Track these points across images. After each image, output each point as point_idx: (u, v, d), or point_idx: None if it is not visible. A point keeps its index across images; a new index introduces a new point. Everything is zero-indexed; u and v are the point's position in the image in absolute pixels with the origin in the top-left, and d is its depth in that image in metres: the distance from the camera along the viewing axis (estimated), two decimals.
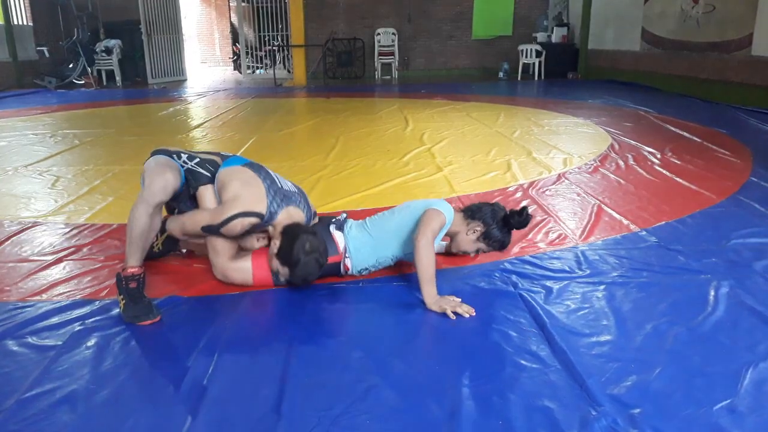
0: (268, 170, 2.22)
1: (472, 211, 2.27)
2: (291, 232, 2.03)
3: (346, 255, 2.20)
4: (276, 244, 2.05)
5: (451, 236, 2.32)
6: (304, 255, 1.97)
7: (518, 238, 2.66)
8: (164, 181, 2.02)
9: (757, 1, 6.82)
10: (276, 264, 2.05)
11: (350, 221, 2.29)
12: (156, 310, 1.95)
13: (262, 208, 2.07)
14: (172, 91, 9.91)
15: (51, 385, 1.59)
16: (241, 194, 2.06)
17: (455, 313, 1.94)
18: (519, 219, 2.24)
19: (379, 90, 10.18)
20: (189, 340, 1.85)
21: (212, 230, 2.06)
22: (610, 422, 1.39)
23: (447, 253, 2.49)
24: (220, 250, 2.14)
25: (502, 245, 2.29)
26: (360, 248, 2.20)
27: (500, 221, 2.24)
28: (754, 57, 6.94)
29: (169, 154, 2.18)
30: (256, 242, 2.24)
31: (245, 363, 1.70)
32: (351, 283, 2.22)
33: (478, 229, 2.24)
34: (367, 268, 2.24)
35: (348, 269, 2.21)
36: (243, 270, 2.15)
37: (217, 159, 2.22)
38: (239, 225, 2.04)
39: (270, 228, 2.17)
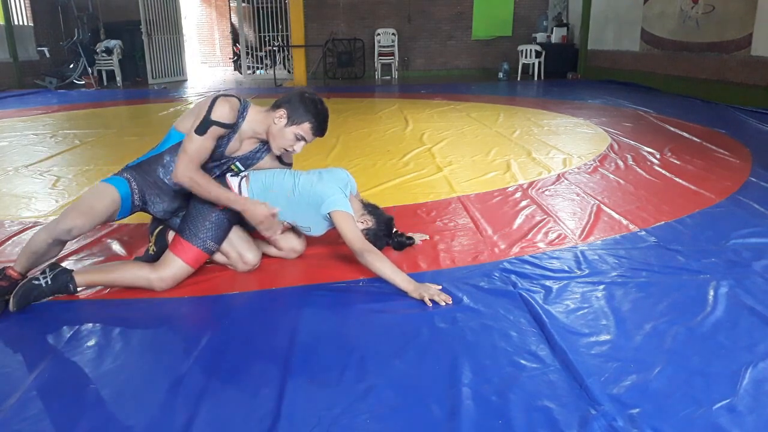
0: None
1: (372, 207, 2.40)
2: (289, 96, 2.26)
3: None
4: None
5: None
6: (309, 96, 2.27)
7: (518, 237, 2.67)
8: (71, 222, 2.13)
9: (757, 1, 6.82)
10: (281, 126, 2.21)
11: (251, 173, 2.34)
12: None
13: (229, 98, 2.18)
14: (173, 92, 9.92)
15: (51, 384, 1.59)
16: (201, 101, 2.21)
17: (432, 301, 2.01)
18: (400, 239, 2.45)
19: (379, 90, 10.19)
20: (189, 339, 1.85)
21: (206, 124, 2.10)
22: (610, 422, 1.39)
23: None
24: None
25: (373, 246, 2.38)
26: (258, 196, 2.27)
27: (386, 230, 2.38)
28: (754, 57, 6.94)
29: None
30: (279, 230, 2.31)
31: (245, 363, 1.70)
32: (351, 283, 2.23)
33: (370, 223, 2.35)
34: None
35: None
36: (175, 266, 2.15)
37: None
38: (225, 103, 2.14)
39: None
